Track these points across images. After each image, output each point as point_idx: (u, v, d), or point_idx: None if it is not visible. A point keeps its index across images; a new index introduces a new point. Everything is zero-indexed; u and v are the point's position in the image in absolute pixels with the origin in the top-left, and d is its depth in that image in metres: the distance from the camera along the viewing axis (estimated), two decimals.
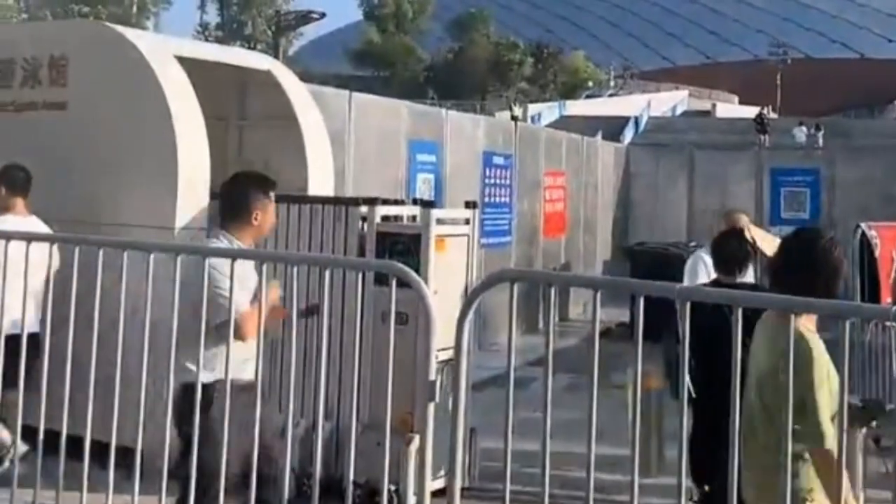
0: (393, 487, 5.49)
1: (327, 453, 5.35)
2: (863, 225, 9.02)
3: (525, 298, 11.79)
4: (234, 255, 3.87)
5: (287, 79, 7.87)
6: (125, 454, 3.86)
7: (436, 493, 4.24)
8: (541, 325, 12.95)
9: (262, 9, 67.17)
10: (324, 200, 6.86)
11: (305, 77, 10.94)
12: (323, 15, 29.60)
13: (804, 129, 43.81)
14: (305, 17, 31.32)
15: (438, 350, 4.72)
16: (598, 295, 2.97)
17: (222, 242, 4.39)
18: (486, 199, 12.56)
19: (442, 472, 4.78)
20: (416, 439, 5.60)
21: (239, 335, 4.02)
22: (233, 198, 4.56)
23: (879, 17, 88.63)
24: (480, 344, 11.23)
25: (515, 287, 3.10)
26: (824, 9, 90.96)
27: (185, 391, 3.92)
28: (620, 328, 11.81)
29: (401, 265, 3.42)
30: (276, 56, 24.61)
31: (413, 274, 3.28)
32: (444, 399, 5.55)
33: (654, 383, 5.88)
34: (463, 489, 6.17)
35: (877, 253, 8.62)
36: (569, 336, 12.59)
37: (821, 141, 41.76)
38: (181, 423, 3.92)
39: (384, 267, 3.68)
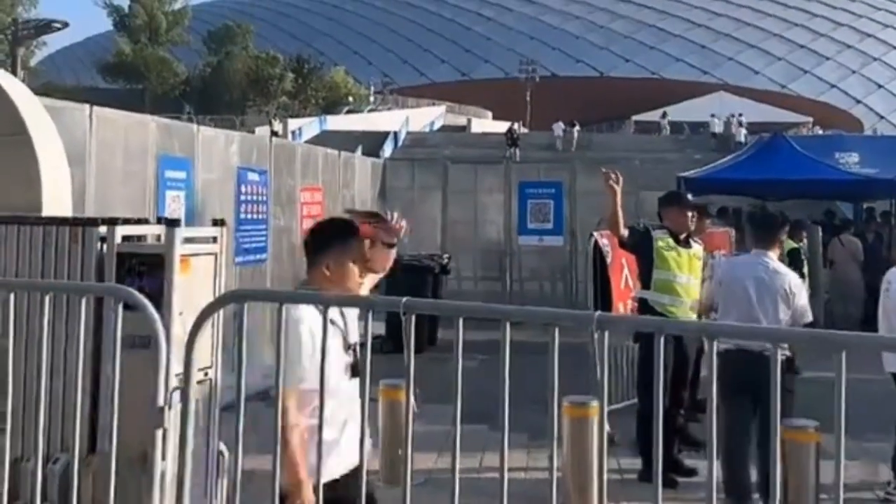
0: None
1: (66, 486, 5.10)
2: (595, 233, 9.04)
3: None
4: None
5: (16, 91, 7.38)
6: None
7: None
8: None
9: None
10: (59, 221, 6.48)
11: (52, 90, 10.39)
12: (66, 24, 28.06)
13: (561, 124, 47.36)
14: (46, 27, 29.49)
15: (177, 374, 4.62)
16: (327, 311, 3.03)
17: None
18: (242, 216, 12.36)
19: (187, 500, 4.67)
20: (158, 467, 5.43)
21: None
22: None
23: (617, 38, 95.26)
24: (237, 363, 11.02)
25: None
26: (569, 29, 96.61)
27: None
28: (377, 341, 12.00)
29: (127, 288, 3.32)
30: (13, 67, 23.14)
31: (139, 296, 3.19)
32: (196, 423, 5.42)
33: (398, 395, 6.03)
34: None
35: (608, 259, 8.82)
36: None
37: (575, 134, 45.56)
38: None
39: (106, 290, 3.56)
